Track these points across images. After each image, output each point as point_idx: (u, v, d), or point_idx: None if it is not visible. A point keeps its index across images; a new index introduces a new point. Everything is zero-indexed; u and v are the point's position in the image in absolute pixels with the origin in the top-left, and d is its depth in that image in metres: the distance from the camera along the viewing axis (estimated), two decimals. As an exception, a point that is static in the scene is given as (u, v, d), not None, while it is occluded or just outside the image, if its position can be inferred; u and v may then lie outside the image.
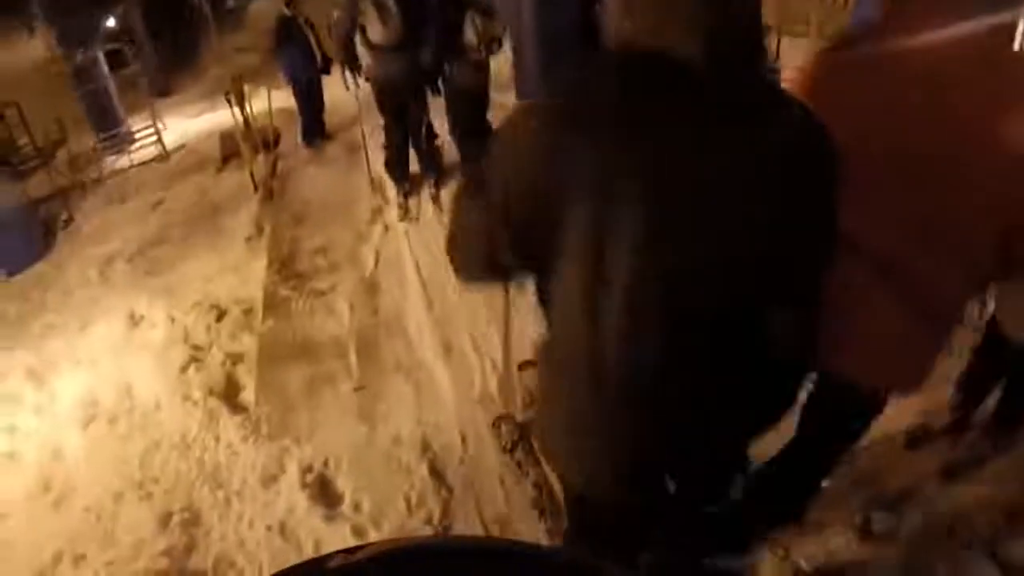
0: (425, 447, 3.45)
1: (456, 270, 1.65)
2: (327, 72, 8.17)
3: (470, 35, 5.49)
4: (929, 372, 1.93)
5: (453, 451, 3.39)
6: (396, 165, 6.32)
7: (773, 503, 2.48)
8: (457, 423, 3.56)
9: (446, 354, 4.09)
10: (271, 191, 7.22)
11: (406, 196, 6.27)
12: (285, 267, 5.50)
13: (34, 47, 14.05)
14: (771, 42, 6.10)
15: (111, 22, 13.37)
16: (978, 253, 1.71)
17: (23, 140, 10.36)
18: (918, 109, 1.55)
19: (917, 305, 1.79)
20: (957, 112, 1.52)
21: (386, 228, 5.91)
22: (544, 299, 1.48)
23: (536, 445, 2.15)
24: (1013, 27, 1.94)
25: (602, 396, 1.41)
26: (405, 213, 6.06)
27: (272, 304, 4.96)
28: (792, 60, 4.14)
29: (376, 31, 5.47)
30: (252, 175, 7.37)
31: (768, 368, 1.46)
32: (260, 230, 6.33)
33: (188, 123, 12.01)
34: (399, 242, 5.60)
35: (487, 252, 1.44)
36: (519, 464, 3.16)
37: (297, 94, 8.27)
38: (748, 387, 1.45)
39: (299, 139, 8.49)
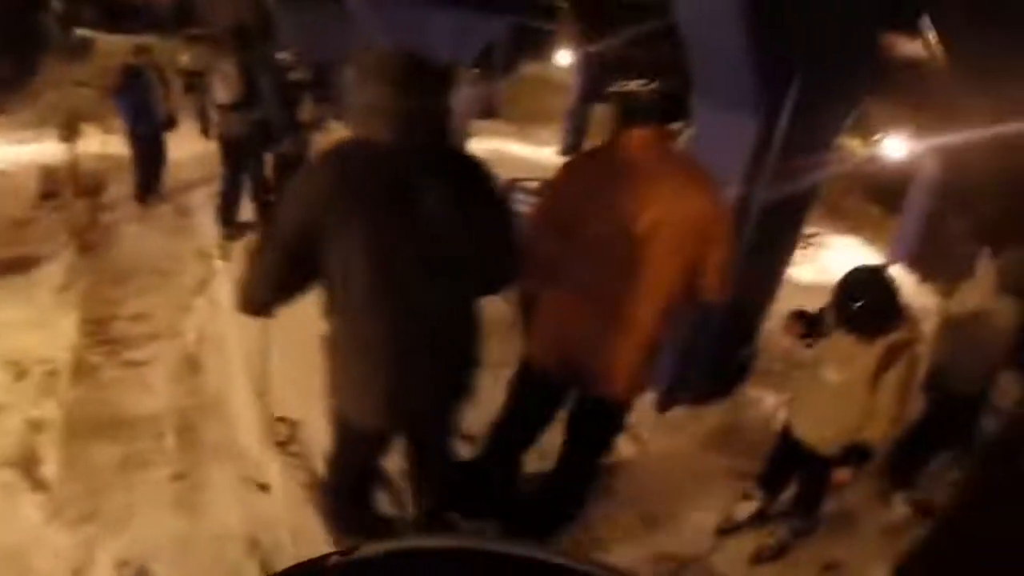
0: (253, 544, 3.35)
1: (243, 300, 2.41)
2: (171, 127, 8.22)
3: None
4: (636, 382, 3.00)
5: (283, 548, 3.31)
6: (225, 209, 7.19)
7: (551, 504, 3.44)
8: (287, 517, 3.50)
9: (273, 442, 4.01)
10: (89, 243, 6.89)
11: (229, 238, 6.96)
12: (98, 330, 5.27)
13: None
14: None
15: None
16: (664, 283, 2.74)
17: None
18: (616, 187, 2.69)
19: (616, 322, 2.78)
20: (636, 190, 2.65)
21: (212, 302, 5.83)
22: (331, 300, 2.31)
23: (330, 403, 2.57)
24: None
25: (387, 350, 2.33)
26: (224, 255, 6.59)
27: (81, 370, 4.72)
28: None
29: (222, 92, 6.70)
30: (69, 222, 7.01)
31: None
32: (72, 284, 5.98)
33: (8, 148, 11.07)
34: (225, 318, 5.42)
35: (273, 276, 2.29)
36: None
37: (134, 145, 8.00)
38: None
39: (132, 192, 8.18)
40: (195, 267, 6.51)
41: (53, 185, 7.84)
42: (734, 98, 4.01)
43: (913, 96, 7.16)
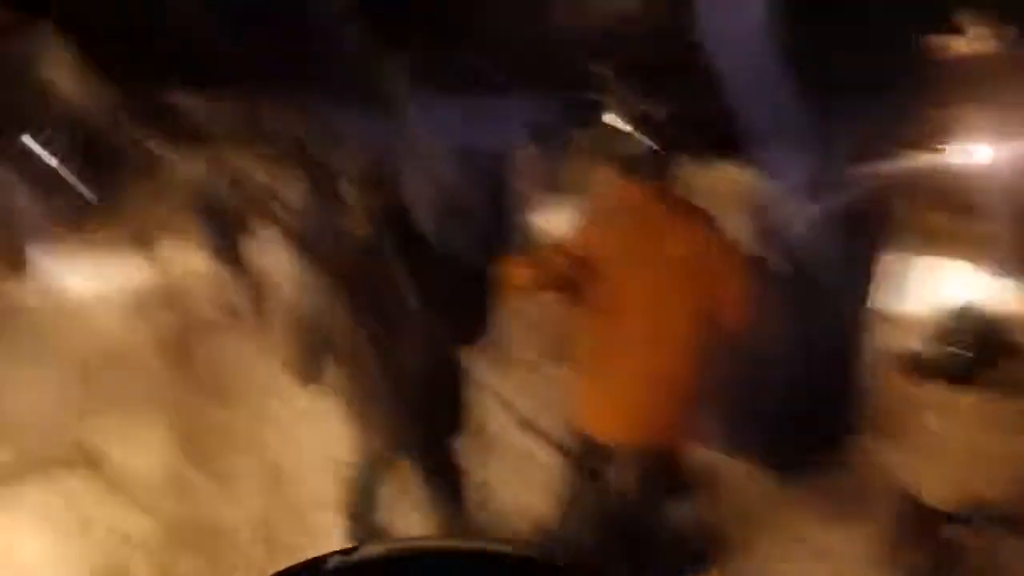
0: None
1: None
2: None
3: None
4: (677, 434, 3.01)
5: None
6: None
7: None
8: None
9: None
10: (180, 355, 7.05)
11: None
12: (188, 441, 5.37)
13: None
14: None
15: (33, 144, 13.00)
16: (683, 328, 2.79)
17: None
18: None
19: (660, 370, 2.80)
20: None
21: (300, 413, 5.73)
22: None
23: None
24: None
25: None
26: None
27: (171, 481, 4.84)
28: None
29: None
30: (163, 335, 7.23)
31: None
32: (164, 395, 6.16)
33: (93, 266, 11.64)
34: (312, 429, 5.41)
35: None
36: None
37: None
38: None
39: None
40: (283, 378, 6.56)
41: (142, 299, 8.13)
42: (783, 133, 3.98)
43: (977, 96, 6.79)
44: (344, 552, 1.12)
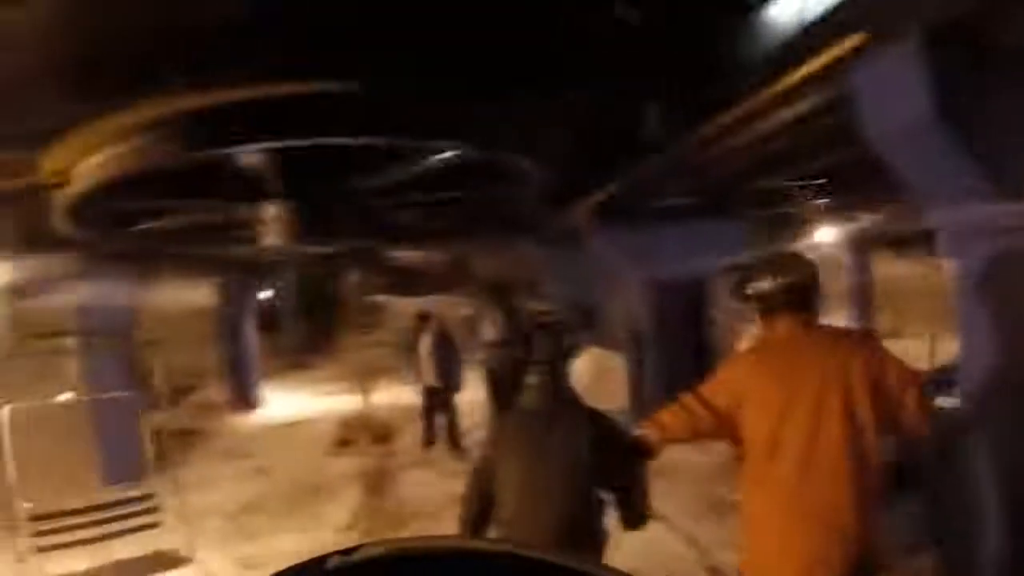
0: None
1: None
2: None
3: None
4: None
5: None
6: None
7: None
8: None
9: None
10: (376, 486, 7.43)
11: None
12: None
13: (200, 292, 15.77)
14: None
15: (266, 293, 14.61)
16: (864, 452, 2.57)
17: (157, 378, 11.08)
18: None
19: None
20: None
21: None
22: None
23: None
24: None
25: None
26: None
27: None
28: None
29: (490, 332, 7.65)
30: (360, 468, 7.67)
31: None
32: (353, 524, 6.45)
33: (311, 400, 12.82)
34: None
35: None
36: None
37: (424, 395, 8.87)
38: None
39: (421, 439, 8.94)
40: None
41: (350, 434, 8.69)
42: (992, 229, 3.63)
43: None
44: (344, 552, 1.11)
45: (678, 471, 6.51)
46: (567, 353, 7.29)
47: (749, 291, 2.85)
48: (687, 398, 2.85)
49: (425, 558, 1.16)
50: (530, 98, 5.74)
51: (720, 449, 4.22)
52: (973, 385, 3.93)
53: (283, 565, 3.60)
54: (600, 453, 2.71)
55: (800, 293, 2.78)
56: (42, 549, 5.01)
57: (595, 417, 2.87)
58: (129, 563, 5.21)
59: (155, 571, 5.20)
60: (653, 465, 2.92)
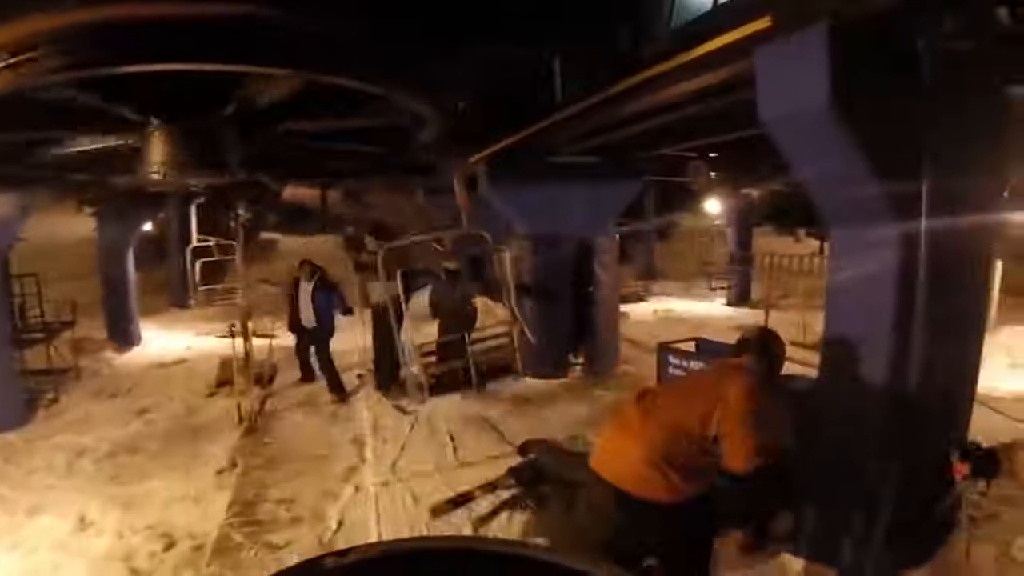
0: None
1: None
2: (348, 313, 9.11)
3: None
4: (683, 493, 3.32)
5: None
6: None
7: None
8: None
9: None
10: (254, 428, 7.38)
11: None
12: (246, 511, 5.49)
13: (81, 224, 15.04)
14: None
15: (148, 226, 13.93)
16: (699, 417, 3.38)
17: (34, 311, 10.49)
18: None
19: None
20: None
21: (357, 489, 5.93)
22: None
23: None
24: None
25: None
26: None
27: (222, 548, 4.91)
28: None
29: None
30: (239, 408, 7.58)
31: None
32: (233, 465, 6.39)
33: (197, 340, 12.52)
34: (368, 506, 5.56)
35: None
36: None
37: (298, 334, 9.02)
38: None
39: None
40: (347, 453, 6.73)
41: (229, 375, 8.54)
42: (866, 212, 3.91)
43: None
44: (341, 553, 1.15)
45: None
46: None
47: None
48: None
49: (423, 557, 1.19)
50: (435, 46, 5.73)
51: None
52: (832, 355, 4.27)
53: (160, 506, 3.61)
54: None
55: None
56: None
57: None
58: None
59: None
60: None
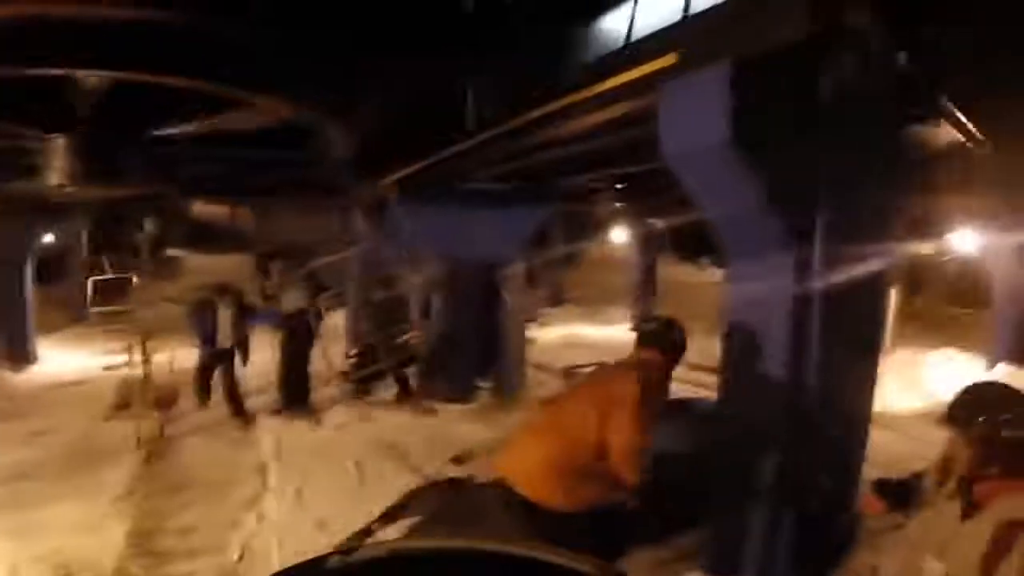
0: None
1: None
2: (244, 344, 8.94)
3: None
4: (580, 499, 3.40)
5: None
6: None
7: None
8: None
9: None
10: (154, 453, 7.28)
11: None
12: (144, 542, 5.39)
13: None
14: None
15: (49, 237, 13.45)
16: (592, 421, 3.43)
17: None
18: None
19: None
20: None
21: (260, 518, 5.90)
22: None
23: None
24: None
25: None
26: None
27: (120, 581, 4.83)
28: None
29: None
30: (138, 432, 7.47)
31: None
32: (131, 492, 6.28)
33: (94, 359, 12.15)
34: (270, 536, 5.53)
35: None
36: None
37: (201, 357, 8.92)
38: None
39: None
40: (249, 480, 6.70)
41: (128, 397, 8.38)
42: (765, 243, 4.15)
43: (970, 185, 6.71)
44: (344, 552, 1.20)
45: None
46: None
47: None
48: None
49: (423, 557, 1.23)
50: (350, 64, 5.78)
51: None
52: (731, 378, 4.61)
53: (55, 535, 3.60)
54: None
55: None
56: None
57: None
58: None
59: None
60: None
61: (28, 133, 5.43)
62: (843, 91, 3.86)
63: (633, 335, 4.03)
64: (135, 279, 15.32)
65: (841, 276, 4.11)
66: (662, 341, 3.81)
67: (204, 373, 8.91)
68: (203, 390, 8.95)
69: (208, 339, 8.66)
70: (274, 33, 4.76)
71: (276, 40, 4.80)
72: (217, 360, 8.74)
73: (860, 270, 4.26)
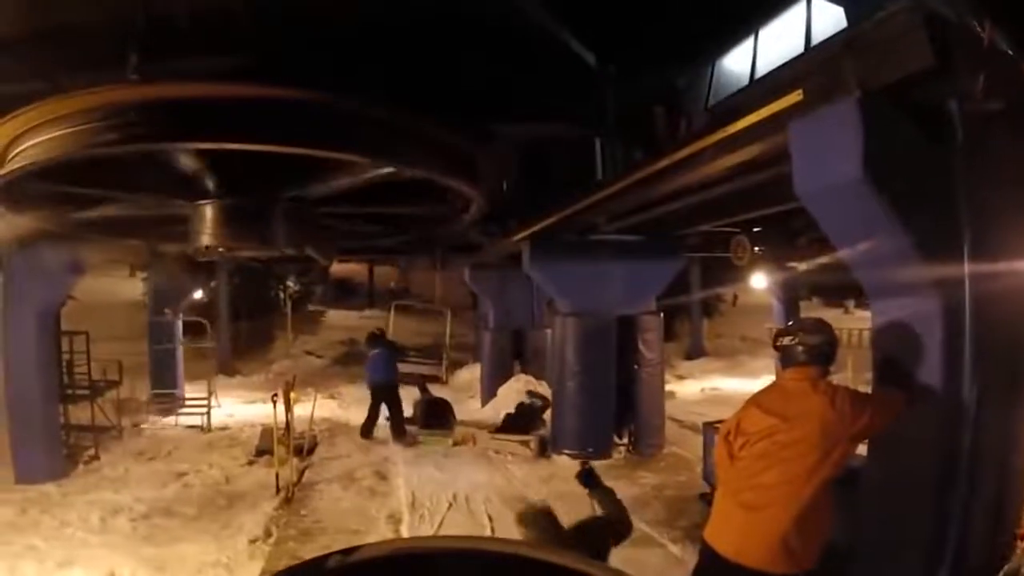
0: None
1: None
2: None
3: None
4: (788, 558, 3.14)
5: None
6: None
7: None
8: None
9: None
10: (291, 499, 7.30)
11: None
12: (277, 582, 5.38)
13: (133, 287, 15.35)
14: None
15: (198, 294, 14.26)
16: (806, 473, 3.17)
17: (81, 368, 10.38)
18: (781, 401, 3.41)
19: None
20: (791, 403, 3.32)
21: None
22: None
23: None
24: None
25: None
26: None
27: (253, 619, 4.80)
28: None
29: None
30: (277, 477, 7.53)
31: None
32: (267, 535, 6.30)
33: (239, 408, 12.58)
34: None
35: None
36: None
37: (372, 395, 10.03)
38: None
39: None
40: (383, 529, 6.57)
41: (269, 444, 8.51)
42: (906, 281, 3.76)
43: None
44: (344, 552, 1.11)
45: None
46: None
47: (777, 344, 3.56)
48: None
49: (424, 557, 1.16)
50: (479, 125, 5.84)
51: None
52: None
53: (192, 571, 3.57)
54: None
55: (809, 352, 3.41)
56: None
57: None
58: None
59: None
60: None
61: (180, 202, 5.69)
62: (977, 112, 3.50)
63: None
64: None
65: (991, 316, 3.67)
66: (819, 356, 3.44)
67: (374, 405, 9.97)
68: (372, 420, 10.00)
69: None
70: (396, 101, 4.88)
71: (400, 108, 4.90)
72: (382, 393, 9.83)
73: (1012, 309, 3.80)
